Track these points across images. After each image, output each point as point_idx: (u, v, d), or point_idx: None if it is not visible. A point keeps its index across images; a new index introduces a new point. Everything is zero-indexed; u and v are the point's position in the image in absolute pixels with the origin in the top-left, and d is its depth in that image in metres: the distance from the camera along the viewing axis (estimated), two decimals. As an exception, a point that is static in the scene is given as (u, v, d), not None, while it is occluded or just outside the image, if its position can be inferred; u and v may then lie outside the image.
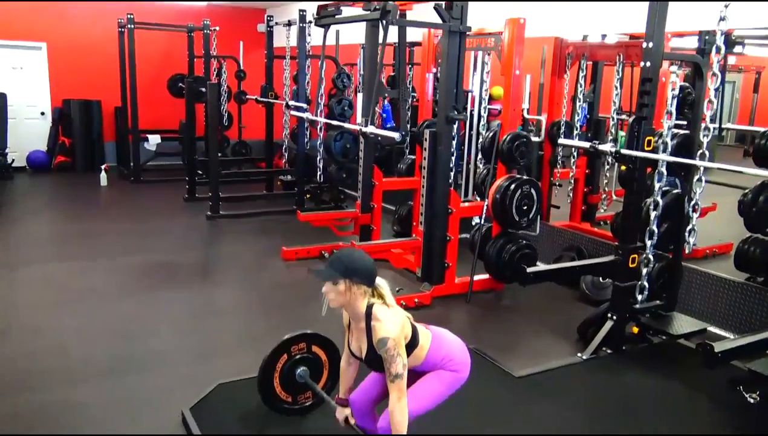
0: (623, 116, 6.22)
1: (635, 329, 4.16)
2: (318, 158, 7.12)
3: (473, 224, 5.64)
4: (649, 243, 4.03)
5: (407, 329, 2.33)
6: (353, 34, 8.03)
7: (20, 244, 6.12)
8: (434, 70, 6.15)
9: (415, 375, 2.41)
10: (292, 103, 7.59)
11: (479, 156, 5.94)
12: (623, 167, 4.73)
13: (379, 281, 2.36)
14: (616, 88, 6.06)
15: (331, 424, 2.83)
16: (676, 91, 3.83)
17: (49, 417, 3.13)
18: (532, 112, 7.20)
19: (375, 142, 6.00)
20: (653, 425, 3.28)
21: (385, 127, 8.45)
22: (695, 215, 3.94)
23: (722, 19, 3.62)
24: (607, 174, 6.34)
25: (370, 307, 2.29)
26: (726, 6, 3.60)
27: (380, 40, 4.92)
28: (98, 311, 4.52)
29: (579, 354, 4.05)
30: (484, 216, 5.27)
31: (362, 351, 2.38)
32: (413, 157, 6.58)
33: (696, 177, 3.91)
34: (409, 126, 7.35)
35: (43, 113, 10.01)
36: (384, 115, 8.96)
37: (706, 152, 3.69)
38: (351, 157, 6.34)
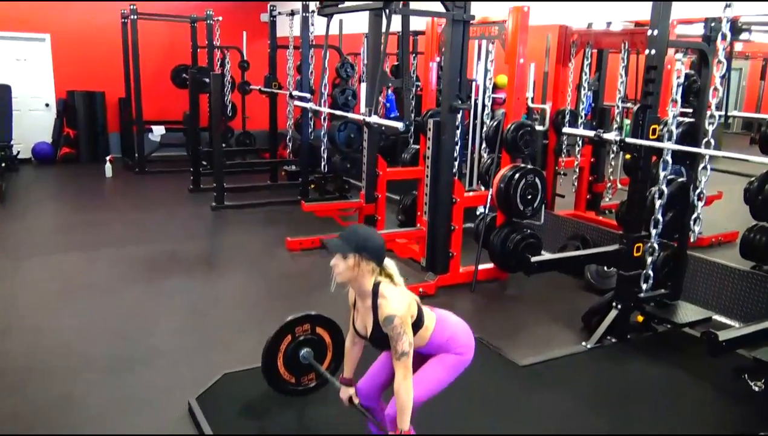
0: (628, 104, 6.19)
1: (640, 318, 4.16)
2: (322, 148, 7.10)
3: (477, 213, 5.63)
4: (654, 232, 4.02)
5: (413, 309, 2.33)
6: (356, 24, 7.99)
7: (26, 235, 6.15)
8: (438, 59, 6.13)
9: (419, 358, 2.41)
10: (295, 93, 7.58)
11: (483, 145, 5.92)
12: (628, 156, 4.71)
13: (388, 262, 2.36)
14: (621, 76, 6.02)
15: (334, 412, 2.86)
16: (682, 79, 3.81)
17: (57, 407, 3.16)
18: (537, 101, 7.17)
19: (379, 131, 5.99)
20: (657, 415, 3.28)
21: (388, 117, 8.42)
22: (700, 204, 3.92)
23: (728, 5, 3.59)
24: (612, 163, 6.32)
25: (377, 285, 2.29)
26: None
27: (383, 30, 4.90)
28: (103, 300, 4.54)
29: (583, 343, 4.05)
30: (488, 205, 5.26)
31: (367, 330, 2.38)
32: (417, 146, 6.56)
33: (701, 165, 3.88)
34: (413, 115, 7.33)
35: (47, 105, 10.02)
36: (388, 104, 8.94)
37: (712, 140, 3.66)
38: (355, 147, 6.33)
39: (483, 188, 5.85)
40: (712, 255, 4.83)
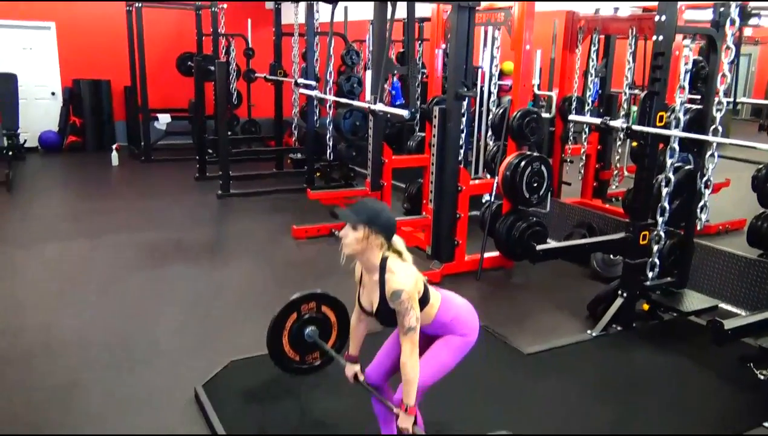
0: (636, 91, 6.13)
1: (646, 306, 4.16)
2: (327, 136, 7.10)
3: (483, 201, 5.62)
4: (660, 220, 4.00)
5: (420, 285, 2.33)
6: (362, 11, 7.95)
7: (33, 223, 6.18)
8: (444, 46, 6.08)
9: (424, 339, 2.41)
10: (301, 81, 7.54)
11: (489, 133, 5.89)
12: (635, 143, 4.68)
13: (397, 238, 2.35)
14: (629, 62, 5.97)
15: (337, 403, 2.87)
16: (690, 65, 3.77)
17: (65, 391, 3.19)
18: (543, 88, 7.13)
19: (384, 119, 5.96)
20: (663, 403, 3.28)
21: (394, 105, 8.40)
22: (707, 191, 3.89)
23: (738, -10, 3.55)
24: (619, 150, 6.28)
25: (384, 259, 2.28)
26: (742, -23, 3.52)
27: (389, 16, 4.87)
28: (110, 287, 4.57)
29: (589, 331, 4.05)
30: (494, 193, 5.25)
31: (373, 305, 2.37)
32: (423, 134, 6.54)
33: (709, 153, 3.86)
34: (418, 103, 7.30)
35: (53, 93, 10.04)
36: (393, 92, 8.91)
37: (719, 128, 3.63)
38: (360, 134, 6.31)
39: (489, 176, 5.83)
40: (719, 243, 4.81)
